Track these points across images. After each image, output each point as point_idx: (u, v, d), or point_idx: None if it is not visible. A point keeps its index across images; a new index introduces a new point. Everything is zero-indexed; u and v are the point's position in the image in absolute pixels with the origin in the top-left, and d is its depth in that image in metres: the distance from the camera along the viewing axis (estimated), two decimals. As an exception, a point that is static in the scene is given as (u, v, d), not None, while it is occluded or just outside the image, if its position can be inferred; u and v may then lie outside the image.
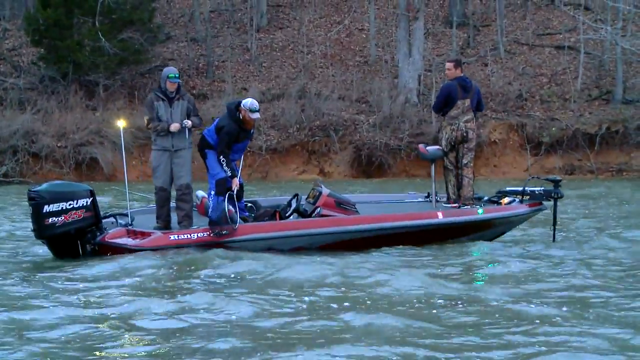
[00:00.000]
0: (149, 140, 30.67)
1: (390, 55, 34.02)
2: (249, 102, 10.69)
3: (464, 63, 33.50)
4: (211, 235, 10.08)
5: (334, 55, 34.77)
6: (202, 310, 7.09)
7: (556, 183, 11.27)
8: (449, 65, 12.03)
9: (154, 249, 9.88)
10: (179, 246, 9.95)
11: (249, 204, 11.46)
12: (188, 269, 9.14)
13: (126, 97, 31.61)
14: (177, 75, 10.90)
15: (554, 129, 29.00)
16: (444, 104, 11.79)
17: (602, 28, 30.52)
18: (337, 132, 29.73)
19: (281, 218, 11.15)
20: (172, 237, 10.10)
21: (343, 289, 8.01)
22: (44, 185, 10.16)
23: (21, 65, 33.21)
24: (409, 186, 23.04)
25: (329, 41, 35.22)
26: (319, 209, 10.84)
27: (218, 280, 8.58)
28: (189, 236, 10.12)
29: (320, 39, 35.40)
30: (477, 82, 31.75)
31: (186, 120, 10.83)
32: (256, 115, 10.67)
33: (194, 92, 32.07)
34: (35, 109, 29.78)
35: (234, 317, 6.86)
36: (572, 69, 31.85)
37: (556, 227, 11.36)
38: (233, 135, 10.63)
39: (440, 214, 11.01)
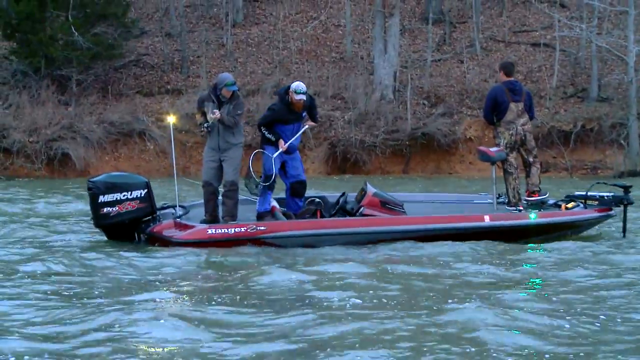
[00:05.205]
0: (121, 135, 30.34)
1: (366, 51, 33.89)
2: (295, 84, 11.11)
3: (439, 60, 33.68)
4: (248, 230, 10.40)
5: (309, 51, 34.59)
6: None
7: (626, 189, 10.97)
8: (501, 71, 11.98)
9: (192, 242, 10.27)
10: (215, 240, 10.32)
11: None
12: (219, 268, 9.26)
13: (99, 91, 31.28)
14: (234, 83, 11.08)
15: (529, 126, 28.95)
16: (492, 109, 11.67)
17: (578, 26, 30.54)
18: (312, 129, 29.51)
19: (322, 216, 11.35)
20: (209, 231, 10.47)
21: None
22: (102, 176, 10.92)
23: (-8, 59, 32.81)
24: (388, 182, 22.94)
25: (304, 37, 35.04)
26: (362, 208, 10.92)
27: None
28: (225, 231, 10.46)
29: (296, 35, 35.22)
30: (453, 80, 31.99)
31: (214, 110, 10.92)
32: (300, 97, 10.98)
33: (169, 87, 31.83)
34: (7, 104, 29.37)
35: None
36: (548, 67, 31.87)
37: (626, 233, 11.09)
38: (276, 113, 11.11)
39: (487, 217, 10.84)
